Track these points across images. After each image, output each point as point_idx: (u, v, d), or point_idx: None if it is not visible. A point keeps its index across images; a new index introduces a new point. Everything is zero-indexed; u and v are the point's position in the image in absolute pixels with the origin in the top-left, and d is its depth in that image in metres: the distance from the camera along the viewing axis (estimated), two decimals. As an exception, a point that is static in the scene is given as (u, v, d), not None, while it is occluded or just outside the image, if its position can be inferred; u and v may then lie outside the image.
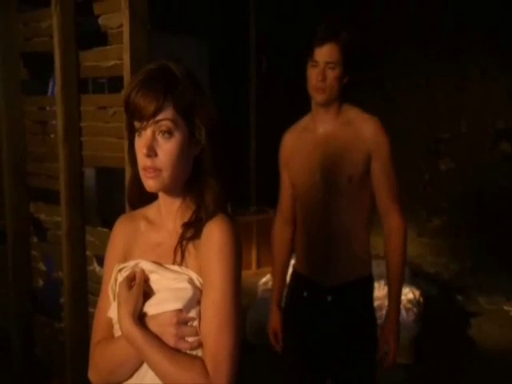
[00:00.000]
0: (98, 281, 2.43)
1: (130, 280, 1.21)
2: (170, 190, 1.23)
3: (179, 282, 1.18)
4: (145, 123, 1.14)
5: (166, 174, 1.16)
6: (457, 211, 6.32)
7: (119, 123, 2.24)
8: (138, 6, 2.05)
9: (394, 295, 2.08)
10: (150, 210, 1.32)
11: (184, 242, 1.21)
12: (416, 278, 5.40)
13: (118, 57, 2.18)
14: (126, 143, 2.11)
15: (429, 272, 6.26)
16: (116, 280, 1.26)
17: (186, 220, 1.23)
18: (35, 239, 2.80)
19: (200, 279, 1.19)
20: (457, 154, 6.26)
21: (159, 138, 1.15)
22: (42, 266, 2.79)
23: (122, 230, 1.32)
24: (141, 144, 1.16)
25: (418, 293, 4.76)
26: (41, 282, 2.81)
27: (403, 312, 4.33)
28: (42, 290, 2.83)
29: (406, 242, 2.07)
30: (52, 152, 2.55)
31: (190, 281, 1.18)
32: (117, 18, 2.15)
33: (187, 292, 1.16)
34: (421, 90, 6.30)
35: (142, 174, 1.19)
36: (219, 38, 5.92)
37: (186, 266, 1.21)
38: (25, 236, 2.79)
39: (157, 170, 1.16)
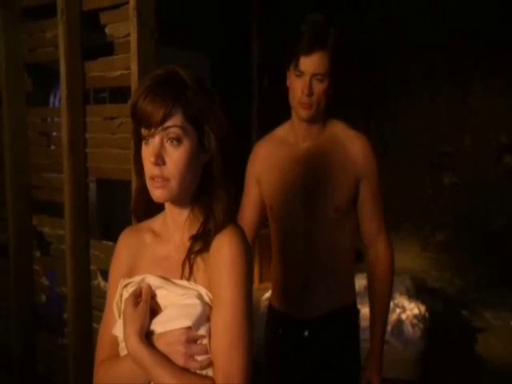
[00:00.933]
0: (103, 295, 2.37)
1: (136, 296, 1.16)
2: (178, 201, 1.18)
3: (188, 297, 1.13)
4: (152, 130, 1.11)
5: (174, 184, 1.12)
6: (461, 226, 6.28)
7: (125, 134, 2.20)
8: (146, 15, 2.02)
9: (380, 329, 1.90)
10: (156, 222, 1.27)
11: (192, 256, 1.16)
12: (420, 293, 5.35)
13: (124, 66, 2.15)
14: (132, 154, 2.09)
15: (433, 287, 6.21)
16: (121, 296, 1.21)
17: (193, 232, 1.18)
18: (38, 253, 2.75)
19: (209, 294, 1.14)
20: (460, 168, 6.24)
21: (167, 145, 1.12)
22: (44, 281, 2.73)
23: (126, 244, 1.27)
24: (148, 152, 1.12)
25: (423, 308, 4.72)
26: (43, 297, 2.75)
27: (409, 328, 4.27)
28: (45, 305, 2.77)
29: (393, 272, 1.90)
30: (56, 164, 2.50)
31: (199, 296, 1.13)
32: (124, 27, 2.12)
33: (196, 308, 1.12)
34: (424, 104, 6.29)
35: (149, 183, 1.14)
36: (221, 53, 5.91)
37: (195, 281, 1.16)
38: (27, 250, 2.74)
39: (165, 180, 1.12)
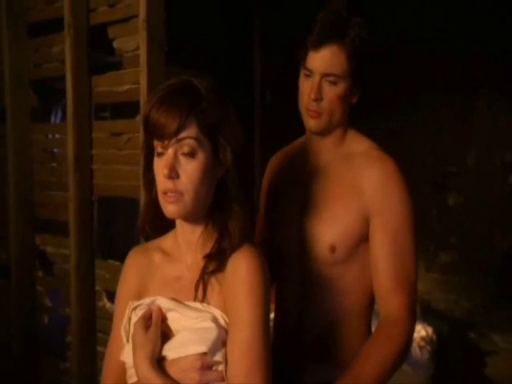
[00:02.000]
0: (108, 317, 2.31)
1: (146, 319, 1.09)
2: (191, 217, 1.12)
3: (202, 321, 1.06)
4: (166, 142, 1.05)
5: (188, 199, 1.06)
6: (466, 246, 6.20)
7: (133, 150, 2.15)
8: (156, 28, 1.98)
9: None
10: (166, 241, 1.20)
11: (206, 276, 1.10)
12: (426, 314, 5.27)
13: (133, 81, 2.11)
14: (140, 169, 2.04)
15: (439, 309, 6.11)
16: (129, 319, 1.14)
17: (207, 251, 1.12)
18: (40, 273, 2.68)
19: (225, 317, 1.07)
20: (465, 188, 6.19)
21: (181, 158, 1.06)
22: (47, 302, 2.65)
23: (134, 264, 1.20)
24: (161, 165, 1.06)
25: (430, 330, 4.65)
26: (46, 319, 2.67)
27: (417, 350, 4.20)
28: (47, 328, 2.69)
29: (404, 347, 1.32)
30: (61, 181, 2.45)
31: (214, 319, 1.06)
32: (132, 41, 2.08)
33: (211, 332, 1.05)
34: (427, 122, 6.26)
35: (161, 198, 1.08)
36: (223, 71, 5.91)
37: (209, 303, 1.09)
38: (30, 270, 2.66)
39: (178, 194, 1.06)
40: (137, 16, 2.04)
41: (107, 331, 2.26)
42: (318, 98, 1.37)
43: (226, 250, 1.09)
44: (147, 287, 1.17)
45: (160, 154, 1.07)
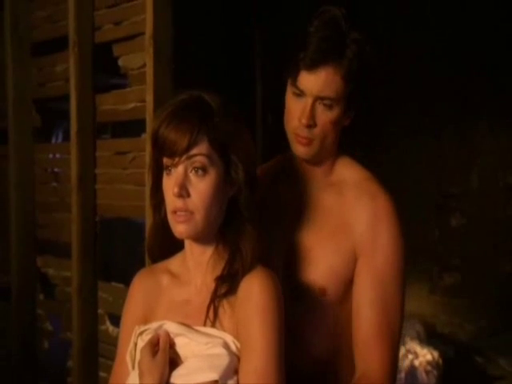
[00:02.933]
0: (111, 342, 2.25)
1: (154, 345, 1.04)
2: (202, 238, 1.07)
3: (212, 346, 1.01)
4: (176, 159, 1.02)
5: (199, 218, 1.02)
6: (470, 269, 6.15)
7: (138, 169, 2.11)
8: (163, 44, 1.96)
9: None
10: (174, 263, 1.15)
11: (217, 300, 1.05)
12: (431, 338, 5.20)
13: (138, 99, 2.08)
14: (147, 189, 1.99)
15: (443, 332, 6.03)
16: (135, 345, 1.09)
17: (218, 273, 1.07)
18: (41, 296, 2.63)
19: (237, 343, 1.02)
20: (468, 209, 6.15)
21: (192, 176, 1.03)
22: (48, 326, 2.60)
23: (141, 286, 1.16)
24: (171, 183, 1.03)
25: (436, 354, 4.59)
26: (46, 344, 2.62)
27: (423, 375, 4.14)
28: (47, 353, 2.63)
29: None
30: (63, 201, 2.42)
31: (226, 346, 1.01)
32: (138, 59, 2.06)
33: (223, 359, 1.00)
34: (429, 143, 6.25)
35: (170, 218, 1.04)
36: (225, 92, 5.91)
37: (220, 328, 1.04)
38: (30, 293, 2.62)
39: (189, 213, 1.02)
40: (143, 34, 2.02)
41: (110, 356, 2.20)
42: (311, 124, 1.21)
43: (238, 272, 1.05)
44: (154, 311, 1.12)
45: (169, 172, 1.04)
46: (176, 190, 1.01)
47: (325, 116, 1.22)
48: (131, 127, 2.26)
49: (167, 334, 1.05)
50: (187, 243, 1.11)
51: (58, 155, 2.60)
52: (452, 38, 5.71)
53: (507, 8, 4.97)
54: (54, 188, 2.52)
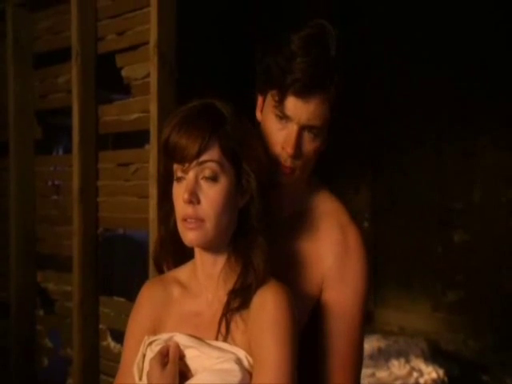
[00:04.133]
0: (113, 358, 2.20)
1: (164, 356, 1.00)
2: (213, 247, 1.04)
3: (224, 361, 0.98)
4: (187, 165, 1.00)
5: (209, 226, 1.00)
6: (473, 285, 6.09)
7: (141, 181, 2.08)
8: (167, 54, 1.94)
9: None
10: (183, 273, 1.12)
11: (229, 314, 1.01)
12: (435, 355, 5.14)
13: (142, 109, 2.06)
14: (150, 201, 1.96)
15: (447, 349, 5.95)
16: (144, 356, 1.04)
17: (230, 286, 1.04)
18: (41, 312, 2.59)
19: (250, 358, 0.98)
20: (471, 225, 6.11)
21: (203, 183, 1.00)
22: (47, 343, 2.56)
23: (150, 296, 1.12)
24: (181, 190, 1.00)
25: (441, 372, 4.54)
26: (45, 361, 2.56)
27: (429, 394, 4.05)
28: (47, 370, 2.58)
29: None
30: (65, 214, 2.39)
31: (238, 361, 0.98)
32: (142, 69, 2.04)
33: (235, 375, 0.97)
34: (431, 159, 6.23)
35: (180, 226, 1.01)
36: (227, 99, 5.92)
37: (232, 342, 1.00)
38: (30, 309, 2.57)
39: (199, 221, 0.99)
40: (146, 43, 2.00)
41: (111, 373, 2.14)
42: (297, 154, 1.12)
43: (251, 285, 1.02)
44: (164, 322, 1.08)
45: (179, 179, 1.02)
46: (186, 196, 0.98)
47: (310, 145, 1.13)
48: (134, 137, 2.23)
49: (177, 346, 1.02)
50: (198, 254, 1.07)
51: (58, 168, 2.56)
52: (455, 54, 5.73)
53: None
54: (54, 201, 2.48)
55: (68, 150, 2.32)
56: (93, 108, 2.22)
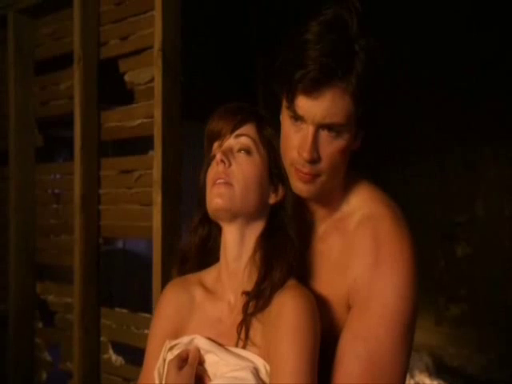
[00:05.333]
0: (115, 372, 2.14)
1: (182, 359, 0.98)
2: (238, 230, 1.03)
3: (239, 369, 0.95)
4: (226, 137, 1.05)
5: (237, 191, 1.00)
6: (477, 299, 6.01)
7: (145, 188, 2.02)
8: (171, 58, 1.89)
9: None
10: (208, 276, 1.10)
11: (248, 318, 0.99)
12: (439, 370, 5.05)
13: (145, 115, 2.01)
14: (154, 208, 1.90)
15: (452, 364, 5.86)
16: (165, 360, 1.02)
17: (250, 288, 1.01)
18: (40, 325, 2.51)
19: (268, 367, 0.94)
20: (474, 238, 6.05)
21: (237, 154, 1.04)
22: (46, 356, 2.48)
23: (173, 299, 1.09)
24: (215, 165, 1.04)
25: (447, 388, 4.43)
26: (44, 375, 2.49)
27: (435, 410, 3.97)
28: (46, 385, 2.49)
29: None
30: (65, 223, 2.33)
31: (255, 370, 0.94)
32: (145, 73, 1.99)
33: None
34: (433, 172, 6.19)
35: (209, 192, 1.02)
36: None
37: (252, 346, 0.98)
38: (29, 321, 2.50)
39: (228, 184, 1.00)
40: (150, 47, 1.96)
41: (113, 387, 2.08)
42: (315, 159, 0.98)
43: (271, 286, 0.99)
44: (186, 326, 1.07)
45: (215, 159, 1.05)
46: (219, 156, 1.01)
47: (332, 146, 0.98)
48: (136, 143, 2.18)
49: (197, 350, 1.00)
50: (223, 247, 1.06)
51: (59, 176, 2.51)
52: (457, 66, 5.72)
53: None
54: (55, 210, 2.42)
55: (69, 159, 2.27)
56: (95, 114, 2.17)
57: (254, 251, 1.03)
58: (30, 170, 2.47)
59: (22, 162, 2.46)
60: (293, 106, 0.98)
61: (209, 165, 1.07)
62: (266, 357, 0.96)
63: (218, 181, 1.01)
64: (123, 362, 2.13)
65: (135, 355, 1.78)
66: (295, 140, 0.99)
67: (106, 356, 2.19)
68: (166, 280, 1.60)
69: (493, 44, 5.24)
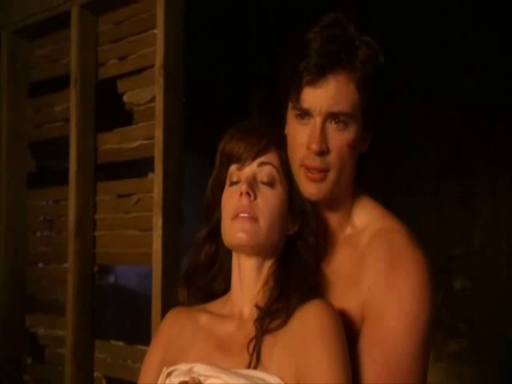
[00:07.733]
0: (108, 409, 1.99)
1: None
2: (259, 255, 0.98)
3: None
4: (245, 164, 0.97)
5: (263, 226, 0.94)
6: (476, 334, 5.91)
7: (143, 212, 1.95)
8: (174, 76, 1.84)
9: None
10: (214, 306, 1.04)
11: (260, 336, 0.93)
12: (439, 409, 4.91)
13: (145, 136, 1.95)
14: (154, 234, 1.81)
15: (451, 403, 5.73)
16: None
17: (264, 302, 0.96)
18: (29, 360, 2.40)
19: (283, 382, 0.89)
20: (471, 272, 5.99)
21: (260, 184, 0.97)
22: (35, 394, 2.34)
23: (176, 323, 1.04)
24: (236, 190, 0.96)
25: (448, 426, 4.28)
26: (33, 416, 2.34)
27: None
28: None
29: None
30: (58, 252, 2.24)
31: None
32: (145, 93, 1.94)
33: None
34: (429, 205, 6.15)
35: (230, 226, 0.95)
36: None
37: (268, 364, 0.91)
38: (17, 357, 2.38)
39: (253, 219, 0.94)
40: (151, 66, 1.93)
41: (106, 427, 1.95)
42: (324, 150, 0.97)
43: (285, 307, 0.94)
44: (187, 350, 1.00)
45: (234, 184, 0.98)
46: (244, 187, 0.95)
47: (340, 138, 0.98)
48: (132, 166, 2.11)
49: (197, 378, 0.92)
50: (238, 274, 1.00)
51: (51, 202, 2.42)
52: (456, 97, 5.75)
53: None
54: (47, 237, 2.33)
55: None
56: (91, 136, 2.11)
57: (270, 275, 0.99)
58: (21, 196, 2.39)
59: (13, 188, 2.39)
60: (299, 102, 0.98)
61: (220, 181, 1.01)
62: (285, 374, 0.90)
63: (242, 214, 0.95)
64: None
65: (132, 391, 1.66)
66: (303, 138, 0.99)
67: (99, 392, 2.06)
68: (166, 309, 1.50)
69: (492, 74, 5.28)
